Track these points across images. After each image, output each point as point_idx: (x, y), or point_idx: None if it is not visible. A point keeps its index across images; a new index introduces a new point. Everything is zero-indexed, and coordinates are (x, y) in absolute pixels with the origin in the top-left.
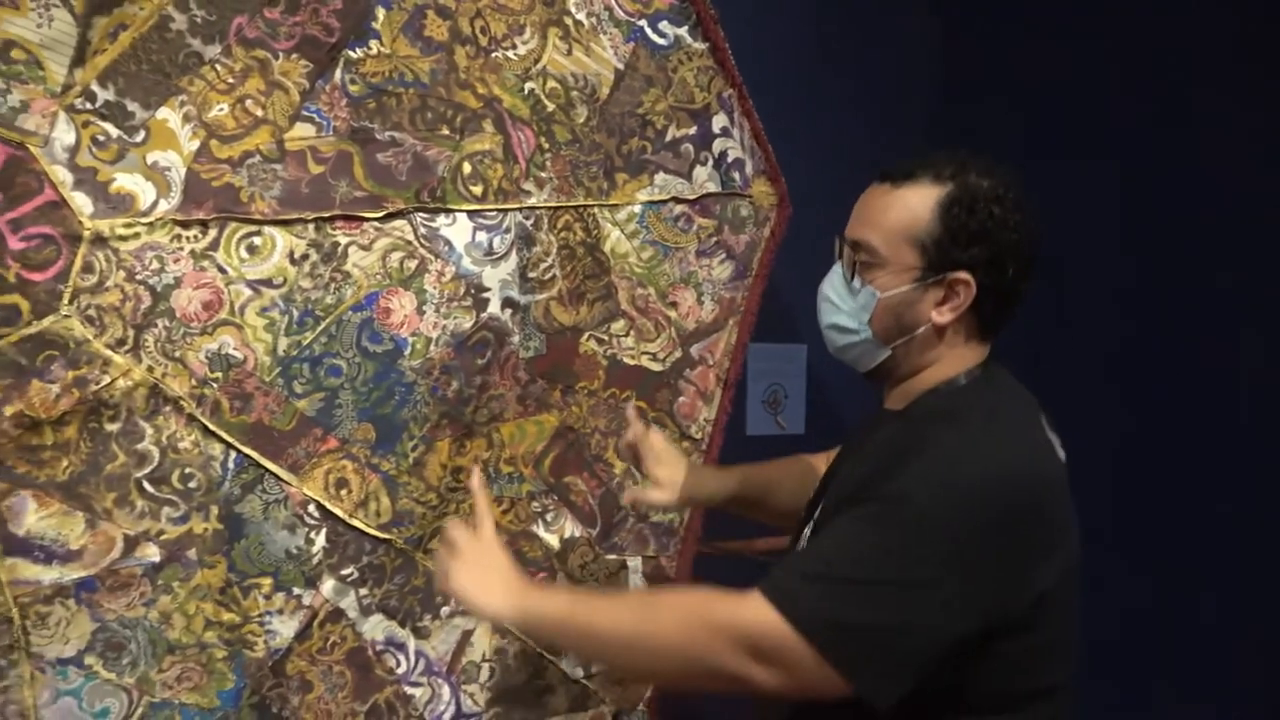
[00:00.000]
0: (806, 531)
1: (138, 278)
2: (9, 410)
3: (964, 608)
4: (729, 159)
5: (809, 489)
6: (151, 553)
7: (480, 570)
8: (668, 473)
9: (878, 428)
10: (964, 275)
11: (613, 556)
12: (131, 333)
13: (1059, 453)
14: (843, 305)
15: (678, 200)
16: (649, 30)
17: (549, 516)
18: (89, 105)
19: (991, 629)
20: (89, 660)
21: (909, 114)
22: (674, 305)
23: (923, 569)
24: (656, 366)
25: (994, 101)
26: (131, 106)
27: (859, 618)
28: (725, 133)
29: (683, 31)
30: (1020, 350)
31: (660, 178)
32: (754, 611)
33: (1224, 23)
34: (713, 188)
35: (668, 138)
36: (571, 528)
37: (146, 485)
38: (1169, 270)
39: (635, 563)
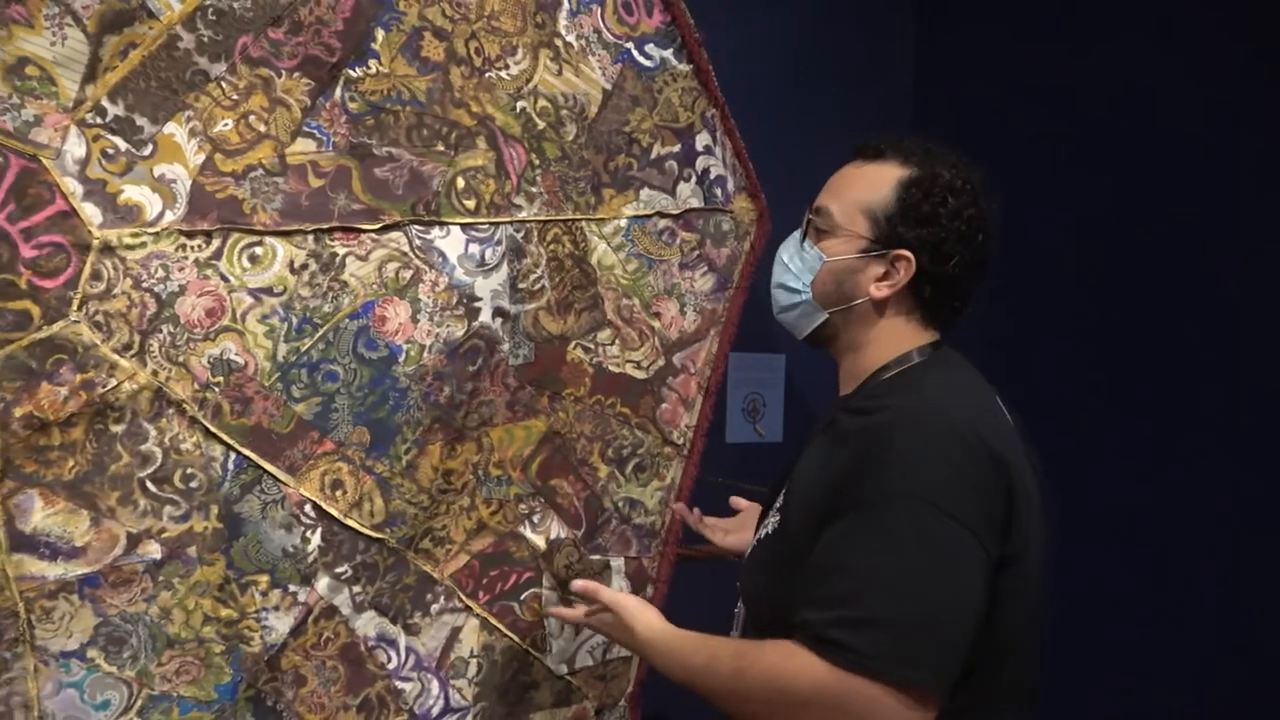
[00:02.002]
0: (771, 520)
1: (144, 285)
2: (19, 412)
3: (984, 558)
4: (711, 176)
5: None
6: (153, 550)
7: (623, 639)
8: (736, 540)
9: (833, 415)
10: (905, 253)
11: (597, 557)
12: (137, 338)
13: (1014, 429)
14: (791, 266)
15: (662, 215)
16: (636, 52)
17: (536, 518)
18: (99, 120)
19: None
20: (91, 653)
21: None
22: (658, 315)
23: (950, 545)
24: (640, 374)
25: (970, 127)
26: (140, 121)
27: (929, 629)
28: (708, 150)
29: (668, 54)
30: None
31: (645, 193)
32: (836, 681)
33: (1200, 17)
34: (696, 203)
35: (653, 155)
36: (557, 529)
37: (149, 485)
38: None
39: (618, 563)
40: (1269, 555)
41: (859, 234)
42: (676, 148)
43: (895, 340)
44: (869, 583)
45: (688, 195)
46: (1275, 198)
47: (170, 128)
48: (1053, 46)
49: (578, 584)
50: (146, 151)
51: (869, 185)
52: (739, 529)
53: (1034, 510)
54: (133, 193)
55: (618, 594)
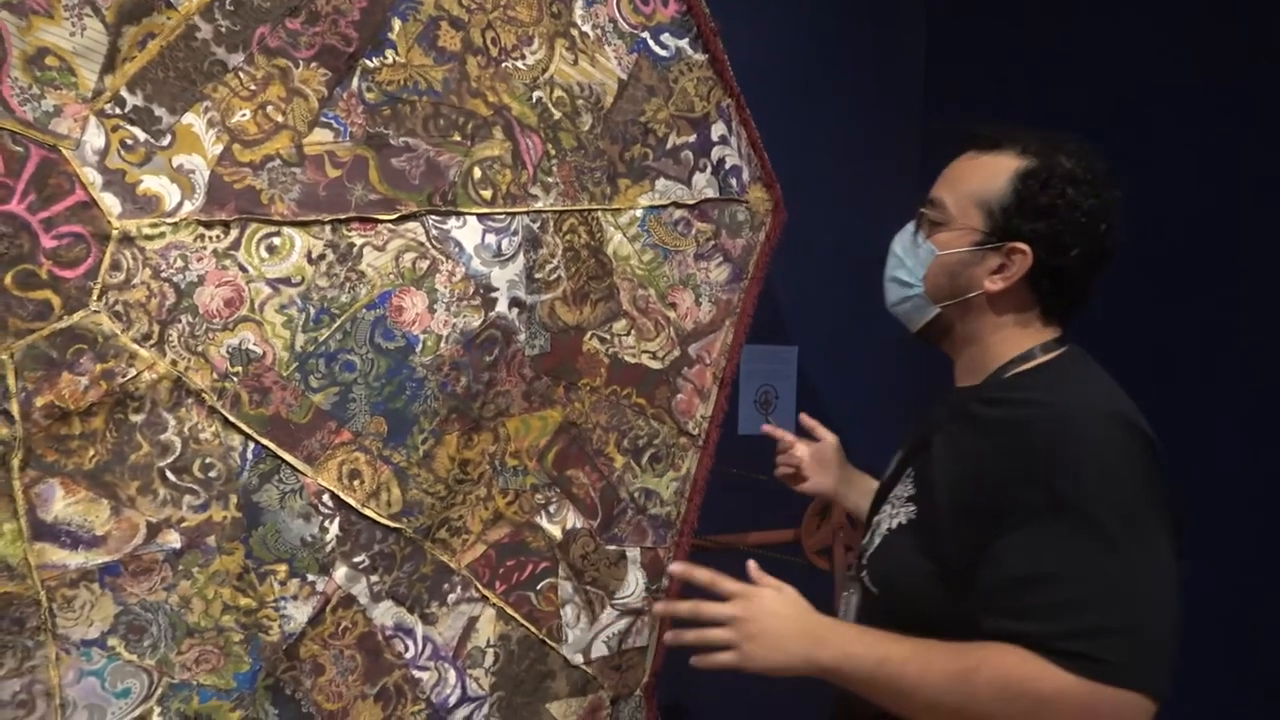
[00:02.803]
0: (901, 510)
1: (163, 275)
2: (40, 401)
3: (1175, 564)
4: (727, 166)
5: None
6: (173, 539)
7: (766, 625)
8: (813, 485)
9: (958, 407)
10: (1021, 246)
11: (613, 547)
12: (157, 328)
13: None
14: (905, 259)
15: (677, 205)
16: (651, 42)
17: (552, 508)
18: (118, 110)
19: None
20: (112, 642)
21: (900, 126)
22: (673, 306)
23: (1161, 549)
24: (656, 365)
25: (981, 112)
26: (159, 112)
27: (1165, 635)
28: (723, 141)
29: (684, 43)
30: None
31: (661, 183)
32: (1086, 691)
33: (1214, 25)
34: (711, 193)
35: (668, 145)
36: (573, 519)
37: (169, 474)
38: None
39: (634, 553)
40: None
41: (973, 227)
42: (692, 138)
43: (1017, 333)
44: (1094, 590)
45: (703, 185)
46: None
47: (189, 118)
48: (1065, 34)
49: (676, 567)
50: (165, 142)
51: (984, 177)
52: (818, 471)
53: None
54: (151, 183)
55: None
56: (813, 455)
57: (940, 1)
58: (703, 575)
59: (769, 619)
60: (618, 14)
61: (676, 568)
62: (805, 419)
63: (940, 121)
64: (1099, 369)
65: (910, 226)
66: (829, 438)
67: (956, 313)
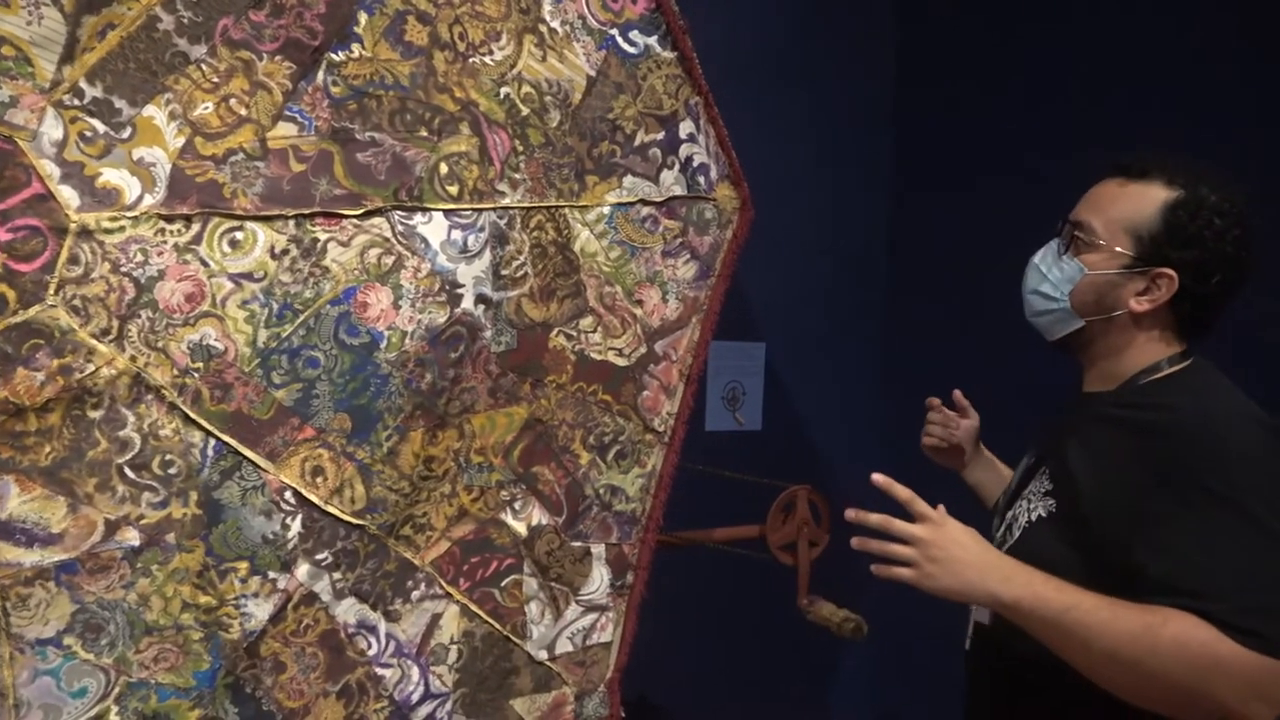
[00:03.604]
0: (1037, 505)
1: (122, 270)
2: None
3: None
4: (695, 164)
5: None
6: (131, 537)
7: (951, 551)
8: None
9: (1094, 410)
10: (1169, 272)
11: (578, 544)
12: (115, 323)
13: None
14: (1049, 275)
15: (645, 202)
16: (620, 39)
17: (517, 505)
18: (77, 102)
19: None
20: (68, 641)
21: (869, 125)
22: (640, 303)
23: None
24: (622, 362)
25: (948, 115)
26: (119, 104)
27: None
28: (691, 138)
29: (653, 41)
30: None
31: (629, 180)
32: (1260, 665)
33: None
34: (679, 191)
35: (636, 142)
36: (539, 516)
37: (128, 471)
38: None
39: (599, 550)
40: None
41: (1122, 251)
42: (660, 135)
43: (1151, 347)
44: (1258, 573)
45: (671, 183)
46: None
47: (150, 110)
48: (1036, 31)
49: (878, 477)
50: (125, 134)
51: (1134, 204)
52: (964, 458)
53: None
54: (111, 176)
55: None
56: (968, 432)
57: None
58: (902, 492)
59: (954, 547)
60: (586, 11)
61: (879, 478)
62: (960, 397)
63: (910, 121)
64: (1224, 377)
65: (1054, 244)
66: (973, 415)
67: (1100, 327)
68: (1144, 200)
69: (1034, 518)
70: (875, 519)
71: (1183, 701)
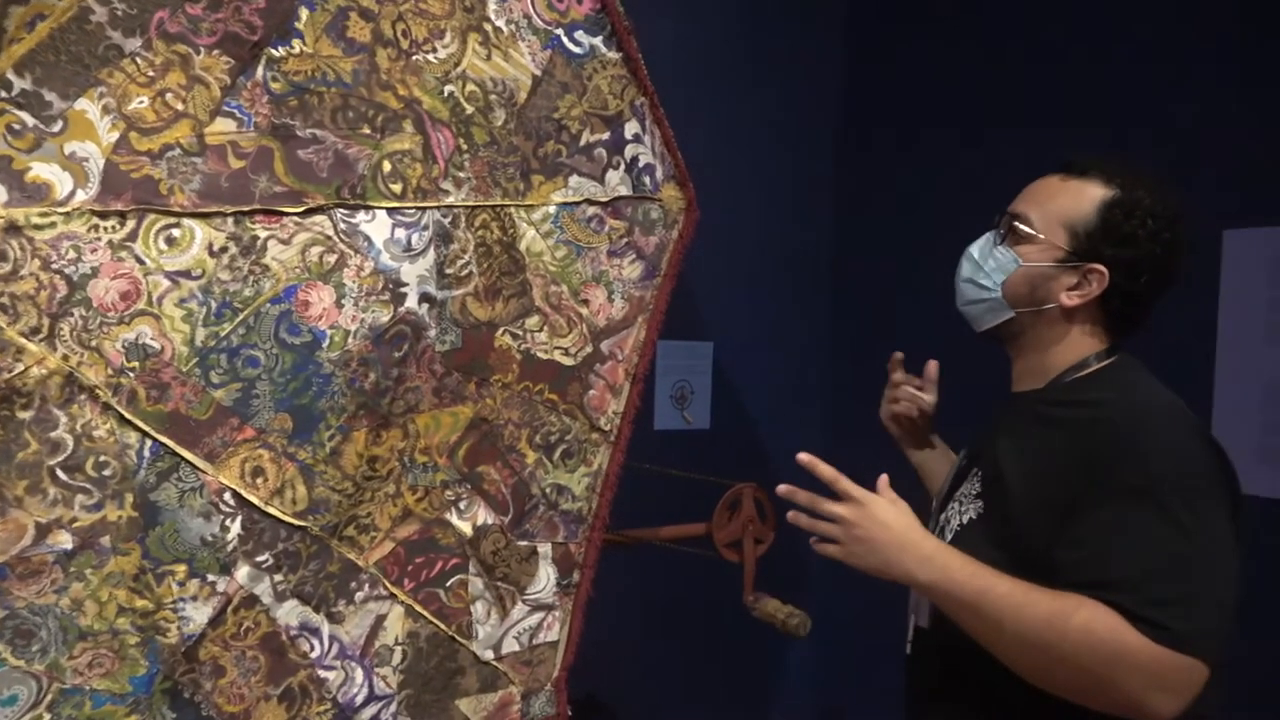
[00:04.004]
0: (969, 506)
1: (53, 267)
2: None
3: (1234, 540)
4: (640, 164)
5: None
6: (64, 540)
7: (872, 531)
8: (920, 457)
9: (1024, 410)
10: (1100, 268)
11: (524, 543)
12: (46, 321)
13: None
14: (983, 264)
15: (591, 202)
16: (565, 39)
17: (463, 505)
18: (4, 94)
19: None
20: None
21: (814, 125)
22: (586, 303)
23: (1228, 534)
24: (568, 361)
25: (894, 117)
26: (49, 96)
27: (1224, 613)
28: (637, 139)
29: (598, 41)
30: None
31: (574, 180)
32: (1164, 653)
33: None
34: (624, 191)
35: (582, 142)
36: (484, 515)
37: (59, 473)
38: None
39: (546, 549)
40: None
41: (1057, 245)
42: (606, 135)
43: (1080, 343)
44: (1166, 566)
45: (616, 183)
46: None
47: (82, 104)
48: (983, 38)
49: (803, 456)
50: (56, 128)
51: (1072, 200)
52: (923, 436)
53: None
54: (41, 170)
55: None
56: (928, 410)
57: (859, 1)
58: (826, 471)
59: (875, 526)
60: (532, 10)
61: (804, 457)
62: (932, 370)
63: (855, 121)
64: (1148, 372)
65: (989, 235)
66: (934, 396)
67: (1029, 319)
68: (1082, 197)
69: (965, 520)
70: (804, 496)
71: (1090, 689)
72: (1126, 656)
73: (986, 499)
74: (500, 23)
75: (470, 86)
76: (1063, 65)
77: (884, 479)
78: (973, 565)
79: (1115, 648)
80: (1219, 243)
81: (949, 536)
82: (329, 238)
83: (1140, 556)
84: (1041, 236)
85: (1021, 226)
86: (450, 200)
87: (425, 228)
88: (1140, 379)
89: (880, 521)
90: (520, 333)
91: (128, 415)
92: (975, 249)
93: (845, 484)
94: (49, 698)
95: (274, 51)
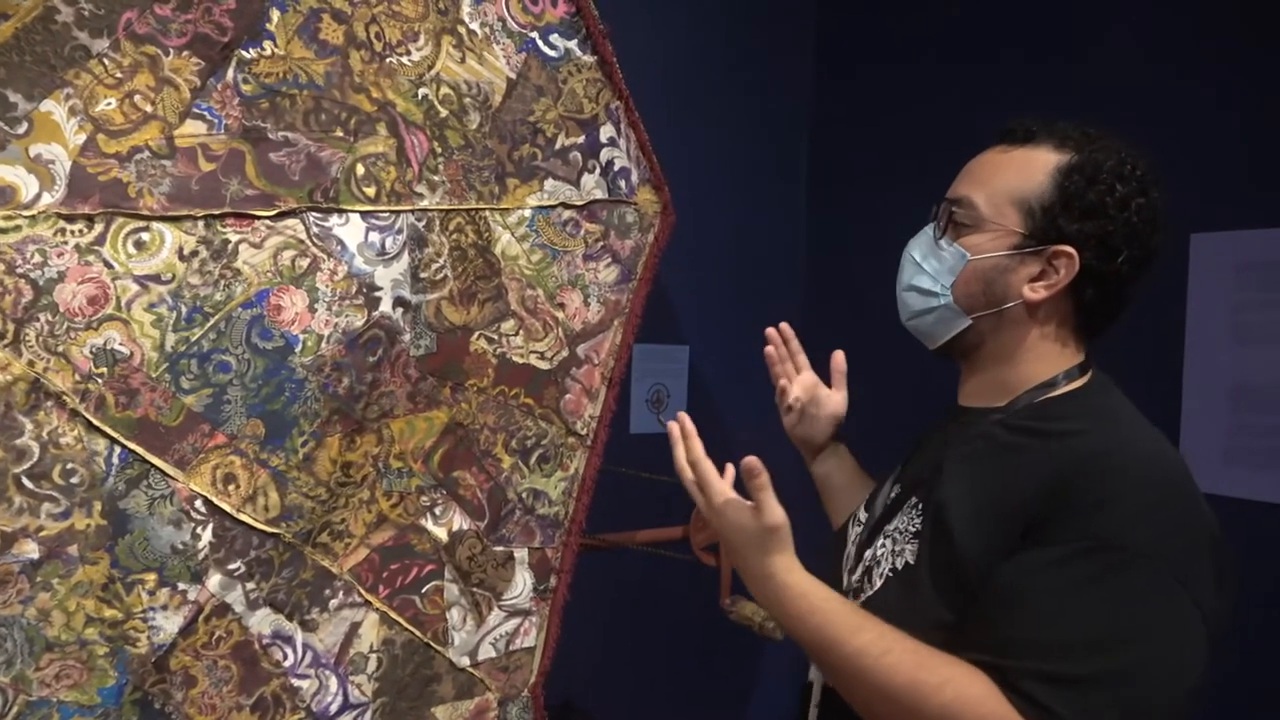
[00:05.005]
0: (903, 547)
1: (18, 271)
2: None
3: (1205, 637)
4: (616, 168)
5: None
6: (30, 549)
7: (728, 536)
8: (803, 431)
9: (974, 430)
10: (1068, 249)
11: (500, 548)
12: (12, 326)
13: None
14: (925, 265)
15: (566, 206)
16: (540, 42)
17: (438, 510)
18: None
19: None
20: None
21: (788, 128)
22: (562, 306)
23: (1175, 618)
24: (544, 365)
25: (866, 120)
26: (14, 98)
27: (1135, 708)
28: (612, 142)
29: (573, 44)
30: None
31: (550, 184)
32: None
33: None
34: (600, 195)
35: (557, 145)
36: (460, 521)
37: (25, 481)
38: None
39: (522, 554)
40: None
41: (1010, 228)
42: (581, 139)
43: (1049, 354)
44: (1080, 636)
45: (592, 187)
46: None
47: (48, 105)
48: (954, 43)
49: (753, 461)
50: (21, 129)
51: (1020, 172)
52: (813, 425)
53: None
54: (5, 173)
55: (779, 510)
56: (820, 399)
57: (829, 3)
58: (680, 454)
59: (730, 532)
60: (506, 13)
61: (676, 425)
62: (840, 360)
63: (828, 125)
64: (1126, 399)
65: (928, 231)
66: (842, 392)
67: (989, 325)
68: (1032, 167)
69: (900, 565)
70: (680, 458)
71: None
72: None
73: (926, 540)
74: (475, 25)
75: (444, 89)
76: (1032, 67)
77: (744, 469)
78: (839, 601)
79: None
80: (1186, 246)
81: (878, 582)
82: (301, 241)
83: (1058, 620)
84: (990, 221)
85: (962, 212)
86: (425, 204)
87: (399, 231)
88: (1123, 409)
89: (727, 539)
90: (496, 337)
91: (96, 422)
92: (915, 249)
93: (699, 474)
94: (14, 710)
95: (245, 53)
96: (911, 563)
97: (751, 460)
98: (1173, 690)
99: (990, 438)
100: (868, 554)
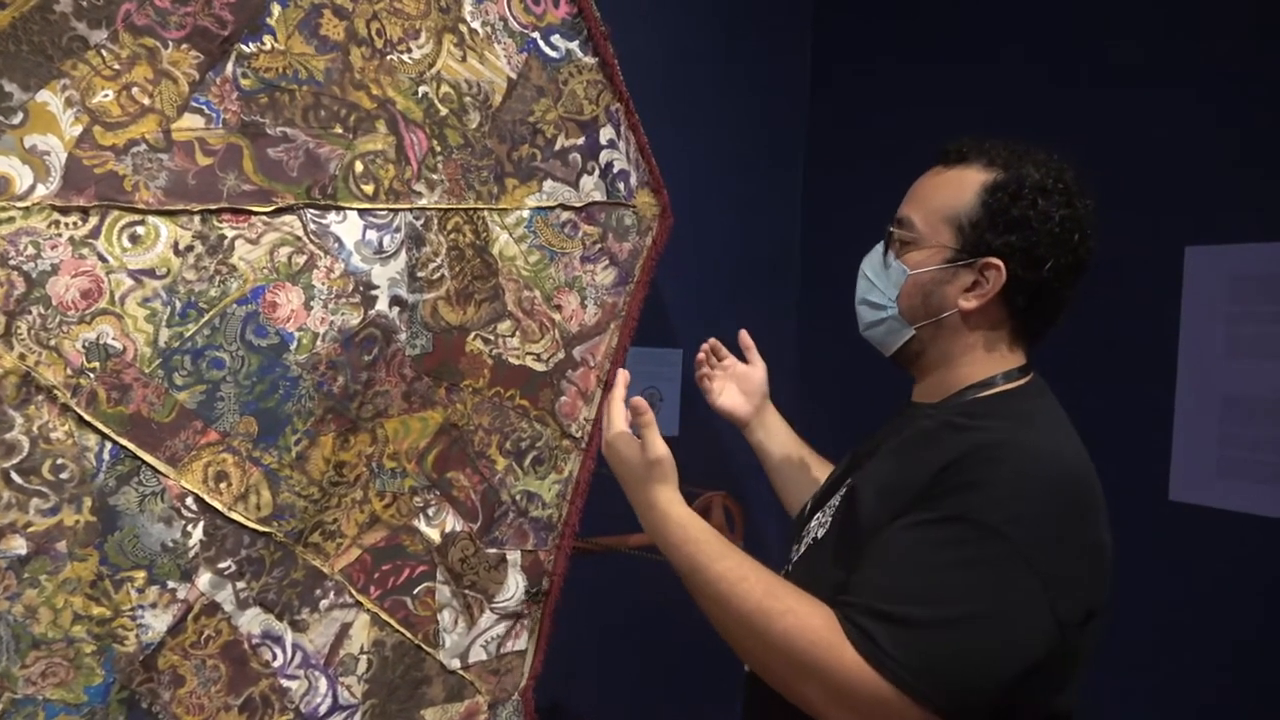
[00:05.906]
0: (817, 519)
1: (11, 263)
2: None
3: (1050, 619)
4: (615, 170)
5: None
6: (18, 545)
7: (616, 469)
8: (727, 401)
9: (912, 422)
10: (995, 261)
11: (493, 550)
12: (3, 319)
13: None
14: (875, 281)
15: (565, 207)
16: (541, 43)
17: (431, 511)
18: None
19: (1062, 640)
20: None
21: (786, 132)
22: (559, 308)
23: (1014, 591)
24: (540, 367)
25: (862, 124)
26: (9, 87)
27: (957, 659)
28: (612, 145)
29: (574, 46)
30: None
31: (549, 185)
32: (856, 670)
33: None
34: (598, 196)
35: (557, 146)
36: (453, 522)
37: (14, 476)
38: None
39: (515, 556)
40: None
41: (944, 244)
42: (580, 140)
43: (987, 355)
44: (924, 588)
45: (590, 188)
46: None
47: (44, 96)
48: (949, 47)
49: (639, 401)
50: (16, 120)
51: (952, 192)
52: (735, 392)
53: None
54: (0, 163)
55: (662, 445)
56: (738, 374)
57: (826, 7)
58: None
59: (619, 465)
60: (508, 13)
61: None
62: (745, 337)
63: (824, 129)
64: (1057, 405)
65: (879, 248)
66: (759, 365)
67: (929, 333)
68: (962, 186)
69: (820, 535)
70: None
71: (786, 692)
72: (820, 671)
73: (839, 515)
74: (476, 24)
75: (445, 88)
76: (1026, 82)
77: (630, 407)
78: (709, 532)
79: (811, 658)
80: (1181, 259)
81: (803, 549)
82: (298, 238)
83: (905, 571)
84: (926, 238)
85: (903, 232)
86: (423, 202)
87: (397, 230)
88: (1043, 411)
89: (616, 469)
90: (492, 337)
91: (87, 417)
92: (867, 266)
93: (609, 409)
94: None
95: (244, 48)
96: (820, 536)
97: (638, 400)
98: (998, 653)
99: (919, 429)
100: (805, 529)
